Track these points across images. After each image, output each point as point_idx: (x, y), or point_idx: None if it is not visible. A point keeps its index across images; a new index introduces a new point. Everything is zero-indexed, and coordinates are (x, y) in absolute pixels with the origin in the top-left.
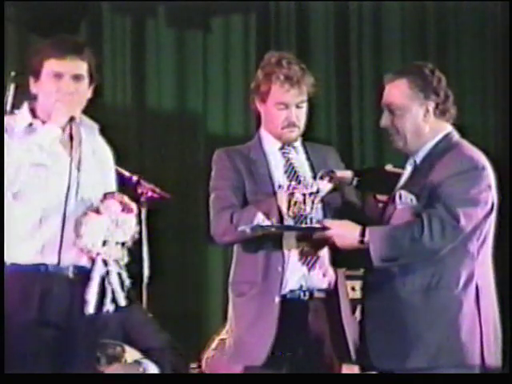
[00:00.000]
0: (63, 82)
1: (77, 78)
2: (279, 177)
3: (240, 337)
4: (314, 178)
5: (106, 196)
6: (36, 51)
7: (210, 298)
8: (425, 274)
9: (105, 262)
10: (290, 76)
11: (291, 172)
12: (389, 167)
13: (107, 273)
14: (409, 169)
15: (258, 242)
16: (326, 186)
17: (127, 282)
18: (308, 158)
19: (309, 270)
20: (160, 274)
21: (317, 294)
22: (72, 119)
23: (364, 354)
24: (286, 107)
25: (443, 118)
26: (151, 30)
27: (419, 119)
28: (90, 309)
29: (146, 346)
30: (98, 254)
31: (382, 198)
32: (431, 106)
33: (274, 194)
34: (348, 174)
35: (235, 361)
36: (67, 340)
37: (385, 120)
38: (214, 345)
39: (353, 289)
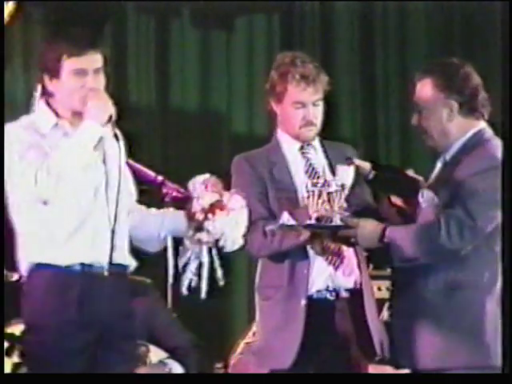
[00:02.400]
0: (88, 77)
1: (97, 72)
2: (300, 177)
3: (266, 341)
4: (333, 174)
5: (206, 184)
6: (52, 51)
7: (235, 298)
8: (448, 273)
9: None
10: (306, 75)
11: (312, 171)
12: (410, 172)
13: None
14: (439, 166)
15: (291, 248)
16: (348, 172)
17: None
18: (326, 157)
19: (335, 269)
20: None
21: (343, 294)
22: (111, 118)
23: (394, 354)
24: (302, 106)
25: (472, 117)
26: (175, 30)
27: (443, 119)
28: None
29: (171, 345)
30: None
31: (396, 201)
32: (454, 105)
33: (296, 194)
34: (366, 165)
35: (262, 364)
36: (104, 340)
37: (414, 119)
38: (239, 349)
39: (379, 289)
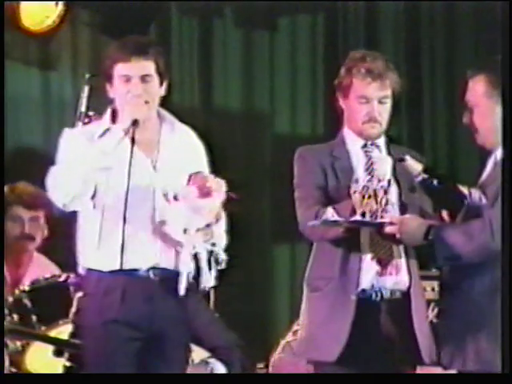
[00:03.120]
0: (132, 84)
1: (145, 78)
2: (361, 174)
3: (314, 332)
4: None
5: (189, 180)
6: (107, 56)
7: (276, 298)
8: (493, 275)
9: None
10: (372, 69)
11: (372, 170)
12: (462, 187)
13: (196, 254)
14: (490, 164)
15: (337, 238)
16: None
17: (221, 256)
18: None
19: (381, 269)
20: (226, 274)
21: (389, 295)
22: (135, 123)
23: (441, 355)
24: (367, 101)
25: None
26: (218, 31)
27: (497, 116)
28: (182, 289)
29: (213, 345)
30: (179, 242)
31: (446, 216)
32: None
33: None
34: (418, 166)
35: (307, 355)
36: (150, 341)
37: (465, 117)
38: (280, 348)
39: (424, 289)
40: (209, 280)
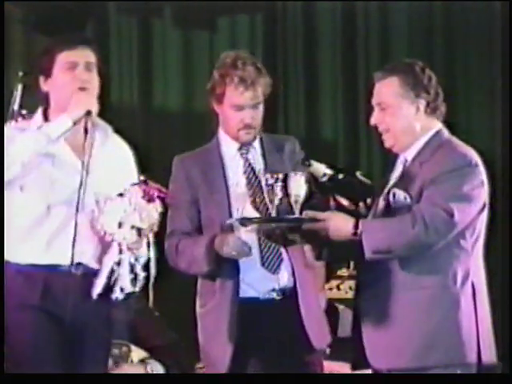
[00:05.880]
0: (78, 70)
1: (89, 66)
2: (238, 178)
3: (204, 347)
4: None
5: (134, 183)
6: (45, 49)
7: None
8: (420, 271)
9: (120, 251)
10: (245, 78)
11: (250, 172)
12: (358, 174)
13: (119, 261)
14: (400, 167)
15: (214, 258)
16: (300, 183)
17: (141, 275)
18: (264, 159)
19: (274, 272)
20: (166, 273)
21: (275, 296)
22: (88, 113)
23: (361, 353)
24: (241, 109)
25: (434, 116)
26: (157, 30)
27: (410, 117)
28: (96, 291)
29: (153, 344)
30: (111, 235)
31: (341, 200)
32: (422, 104)
33: (228, 196)
34: (321, 167)
35: (206, 370)
36: (72, 335)
37: (375, 118)
38: None
39: (338, 288)
40: (118, 292)
